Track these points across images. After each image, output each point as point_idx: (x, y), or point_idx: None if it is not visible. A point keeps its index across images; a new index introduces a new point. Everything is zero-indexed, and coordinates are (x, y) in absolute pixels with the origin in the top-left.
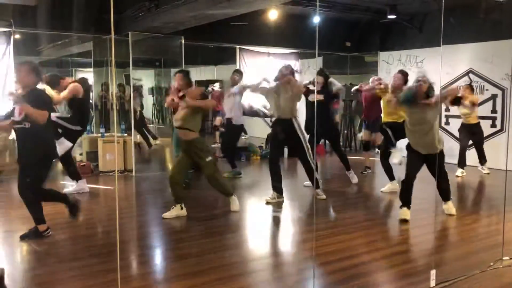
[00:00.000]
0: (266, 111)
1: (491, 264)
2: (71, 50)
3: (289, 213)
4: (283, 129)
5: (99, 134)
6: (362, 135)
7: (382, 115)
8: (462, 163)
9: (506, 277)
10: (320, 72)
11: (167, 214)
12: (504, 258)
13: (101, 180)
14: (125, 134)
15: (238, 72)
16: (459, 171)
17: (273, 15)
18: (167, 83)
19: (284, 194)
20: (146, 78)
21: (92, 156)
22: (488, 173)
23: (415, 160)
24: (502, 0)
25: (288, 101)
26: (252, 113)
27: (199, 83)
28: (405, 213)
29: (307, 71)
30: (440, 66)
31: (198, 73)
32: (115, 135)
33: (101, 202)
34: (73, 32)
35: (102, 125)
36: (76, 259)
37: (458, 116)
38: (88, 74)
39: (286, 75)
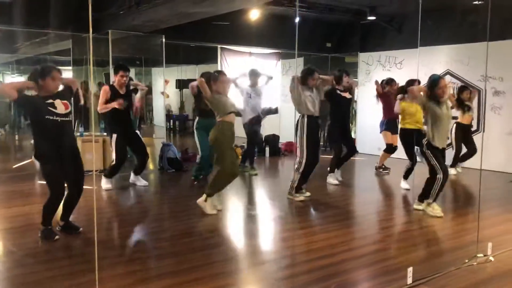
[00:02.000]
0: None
1: (466, 261)
2: (49, 48)
3: (269, 212)
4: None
5: (78, 134)
6: (385, 137)
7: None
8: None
9: (480, 274)
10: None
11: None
12: (478, 255)
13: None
14: (105, 134)
15: (254, 73)
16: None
17: (254, 15)
18: (148, 81)
19: (265, 194)
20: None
21: None
22: (459, 172)
23: (442, 156)
24: (478, 3)
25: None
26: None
27: (181, 82)
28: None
29: (288, 71)
30: (417, 67)
31: (179, 72)
32: (93, 134)
33: (80, 202)
34: (51, 30)
35: (81, 124)
36: (54, 259)
37: None
38: (67, 73)
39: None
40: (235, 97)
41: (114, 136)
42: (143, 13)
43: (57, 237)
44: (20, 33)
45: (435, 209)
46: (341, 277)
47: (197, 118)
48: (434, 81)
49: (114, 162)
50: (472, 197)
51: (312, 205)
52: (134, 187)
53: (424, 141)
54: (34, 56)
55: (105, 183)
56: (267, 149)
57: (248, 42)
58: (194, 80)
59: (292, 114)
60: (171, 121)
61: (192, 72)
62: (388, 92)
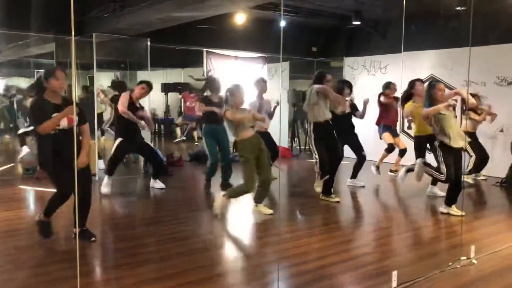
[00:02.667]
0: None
1: (450, 264)
2: (32, 50)
3: (255, 217)
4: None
5: None
6: (385, 138)
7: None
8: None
9: (463, 276)
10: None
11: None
12: (461, 258)
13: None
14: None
15: (263, 81)
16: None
17: (240, 19)
18: (133, 85)
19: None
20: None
21: None
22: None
23: (456, 158)
24: (461, 9)
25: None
26: None
27: (166, 85)
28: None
29: (274, 75)
30: (401, 72)
31: (164, 76)
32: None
33: (62, 206)
34: (33, 32)
35: None
36: (35, 266)
37: None
38: None
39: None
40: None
41: (119, 139)
42: (128, 16)
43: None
44: (1, 35)
45: (455, 211)
46: (327, 281)
47: (204, 125)
48: (432, 84)
49: (110, 157)
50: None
51: (299, 209)
52: (118, 193)
53: (437, 143)
54: (18, 59)
55: (104, 186)
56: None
57: (234, 46)
58: (180, 83)
59: (278, 118)
60: (156, 125)
61: (177, 75)
62: (391, 98)
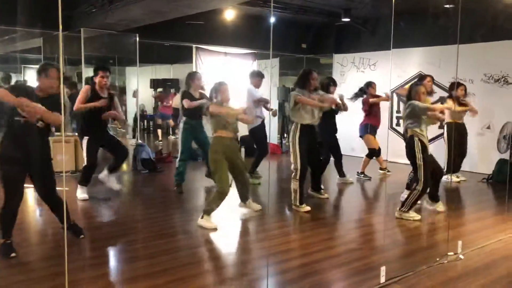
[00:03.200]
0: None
1: (437, 259)
2: (19, 46)
3: (243, 214)
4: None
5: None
6: (369, 141)
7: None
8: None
9: (450, 271)
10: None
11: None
12: (449, 253)
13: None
14: (77, 134)
15: (259, 75)
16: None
17: (229, 15)
18: (121, 81)
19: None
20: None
21: None
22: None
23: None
24: (449, 6)
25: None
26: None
27: (155, 81)
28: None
29: (263, 72)
30: (390, 69)
31: (153, 72)
32: (63, 135)
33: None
34: (20, 27)
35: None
36: (23, 263)
37: None
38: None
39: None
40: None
41: (85, 139)
42: (116, 11)
43: (13, 254)
44: None
45: (411, 215)
46: (316, 277)
47: (184, 119)
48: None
49: (84, 165)
50: (443, 197)
51: (287, 206)
52: (107, 190)
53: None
54: (4, 54)
55: (80, 193)
56: (243, 149)
57: (223, 42)
58: (169, 80)
59: (267, 114)
60: (145, 121)
61: (166, 71)
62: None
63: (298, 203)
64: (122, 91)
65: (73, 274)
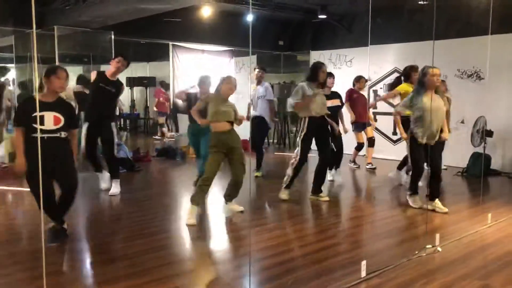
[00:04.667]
0: None
1: (416, 252)
2: None
3: (224, 212)
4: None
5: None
6: (358, 136)
7: None
8: None
9: (429, 264)
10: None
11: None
12: (427, 246)
13: (25, 182)
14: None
15: (262, 69)
16: None
17: (206, 12)
18: None
19: (221, 192)
20: (73, 75)
21: (15, 157)
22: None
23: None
24: (424, 3)
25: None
26: (186, 110)
27: (131, 79)
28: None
29: (241, 69)
30: (368, 65)
31: (129, 70)
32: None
33: (26, 205)
34: None
35: (9, 122)
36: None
37: (386, 113)
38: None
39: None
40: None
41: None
42: (91, 8)
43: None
44: None
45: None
46: (298, 273)
47: (188, 123)
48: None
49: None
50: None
51: (267, 202)
52: (84, 189)
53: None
54: None
55: (103, 182)
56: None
57: (201, 39)
58: (145, 78)
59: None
60: (122, 120)
61: (143, 69)
62: (359, 93)
63: (284, 186)
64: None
65: (52, 276)
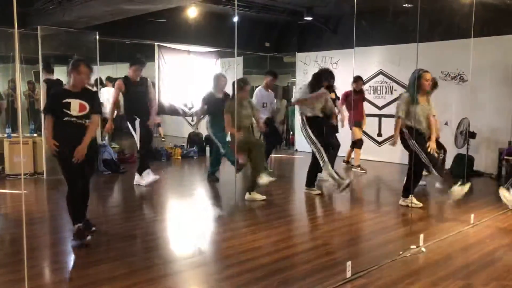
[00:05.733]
0: (186, 110)
1: (401, 253)
2: None
3: (209, 213)
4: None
5: (5, 135)
6: (354, 133)
7: None
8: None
9: (413, 264)
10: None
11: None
12: (411, 246)
13: (8, 184)
14: (35, 135)
15: (273, 74)
16: None
17: (192, 12)
18: None
19: (205, 193)
20: (57, 75)
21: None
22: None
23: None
24: (408, 6)
25: None
26: (172, 111)
27: (115, 80)
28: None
29: (227, 70)
30: (353, 67)
31: (114, 71)
32: (20, 136)
33: (8, 207)
34: None
35: (8, 125)
36: None
37: (371, 115)
38: None
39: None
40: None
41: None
42: (75, 8)
43: (89, 237)
44: None
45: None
46: (283, 274)
47: (207, 117)
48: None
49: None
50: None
51: (253, 204)
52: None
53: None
54: None
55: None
56: (208, 148)
57: (186, 40)
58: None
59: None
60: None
61: (127, 70)
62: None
63: (337, 185)
64: None
65: (34, 280)
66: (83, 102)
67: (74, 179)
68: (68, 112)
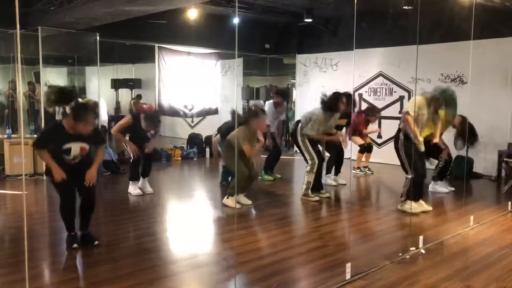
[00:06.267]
0: (186, 111)
1: (400, 254)
2: None
3: (210, 214)
4: None
5: (5, 136)
6: (355, 141)
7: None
8: None
9: (412, 266)
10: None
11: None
12: (411, 248)
13: (8, 185)
14: (35, 136)
15: (281, 95)
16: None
17: (192, 14)
18: (81, 81)
19: (207, 195)
20: (58, 76)
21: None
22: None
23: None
24: (408, 8)
25: None
26: (172, 112)
27: (116, 81)
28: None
29: (227, 72)
30: (353, 69)
31: (114, 72)
32: (22, 136)
33: (8, 208)
34: None
35: (8, 126)
36: None
37: None
38: None
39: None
40: None
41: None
42: (76, 9)
43: (75, 245)
44: None
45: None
46: (282, 276)
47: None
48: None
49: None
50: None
51: (253, 205)
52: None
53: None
54: None
55: (133, 189)
56: (207, 150)
57: (187, 41)
58: (131, 79)
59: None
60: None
61: (128, 71)
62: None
63: (304, 193)
64: (82, 91)
65: (35, 280)
66: (84, 145)
67: (65, 193)
68: (67, 157)
